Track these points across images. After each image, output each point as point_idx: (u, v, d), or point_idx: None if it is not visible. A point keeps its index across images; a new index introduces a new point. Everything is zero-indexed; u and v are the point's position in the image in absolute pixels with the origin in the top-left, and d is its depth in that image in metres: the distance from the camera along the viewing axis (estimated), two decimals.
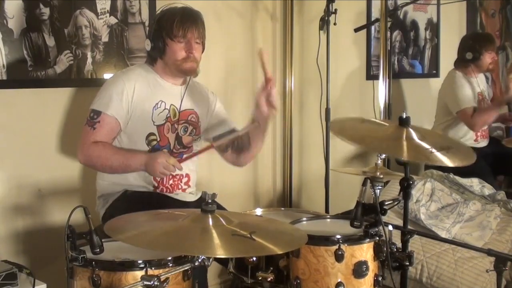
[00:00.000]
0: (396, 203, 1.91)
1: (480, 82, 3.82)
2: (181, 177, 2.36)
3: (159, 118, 2.28)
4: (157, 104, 2.28)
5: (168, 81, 2.34)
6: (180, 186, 2.36)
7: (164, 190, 2.32)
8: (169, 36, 2.24)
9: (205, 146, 2.29)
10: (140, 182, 2.28)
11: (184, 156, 2.32)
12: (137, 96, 2.23)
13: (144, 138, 2.27)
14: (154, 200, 2.24)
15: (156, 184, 2.30)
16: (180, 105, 2.33)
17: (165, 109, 2.30)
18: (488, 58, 3.74)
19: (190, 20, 2.25)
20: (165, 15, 2.26)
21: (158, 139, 2.29)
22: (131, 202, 2.24)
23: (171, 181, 2.33)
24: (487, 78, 4.19)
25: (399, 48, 4.14)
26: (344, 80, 3.75)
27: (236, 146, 2.45)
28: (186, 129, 2.36)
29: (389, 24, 3.29)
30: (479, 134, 3.75)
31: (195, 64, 2.28)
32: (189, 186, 2.40)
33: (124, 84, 2.23)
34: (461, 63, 3.79)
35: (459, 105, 3.62)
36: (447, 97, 3.72)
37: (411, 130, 1.94)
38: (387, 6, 3.38)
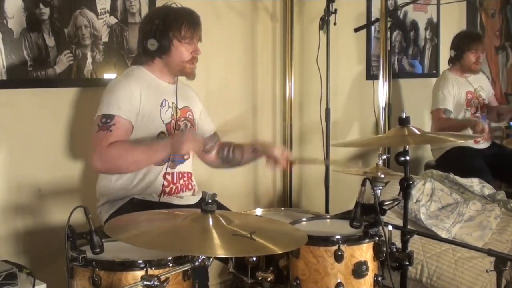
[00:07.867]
0: (396, 203, 1.91)
1: (474, 81, 3.79)
2: (190, 176, 2.39)
3: (166, 116, 2.29)
4: (162, 103, 2.29)
5: (164, 81, 2.35)
6: (189, 186, 2.37)
7: (173, 189, 2.31)
8: (176, 37, 2.25)
9: None
10: (148, 190, 2.27)
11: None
12: (144, 97, 2.23)
13: (155, 137, 2.26)
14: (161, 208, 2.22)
15: (166, 183, 2.29)
16: (177, 103, 2.35)
17: (169, 107, 2.31)
18: (471, 57, 3.71)
19: (196, 22, 2.30)
20: (169, 15, 2.26)
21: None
22: (138, 210, 2.22)
23: (181, 181, 2.34)
24: (487, 77, 4.19)
25: (399, 48, 4.14)
26: (344, 80, 3.75)
27: (225, 157, 2.50)
28: (186, 126, 2.38)
29: (389, 24, 3.30)
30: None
31: (195, 66, 2.32)
32: (194, 187, 2.41)
33: (131, 87, 2.21)
34: (450, 62, 3.82)
35: (433, 104, 3.69)
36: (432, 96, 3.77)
37: (412, 128, 1.97)
38: (387, 6, 3.38)
